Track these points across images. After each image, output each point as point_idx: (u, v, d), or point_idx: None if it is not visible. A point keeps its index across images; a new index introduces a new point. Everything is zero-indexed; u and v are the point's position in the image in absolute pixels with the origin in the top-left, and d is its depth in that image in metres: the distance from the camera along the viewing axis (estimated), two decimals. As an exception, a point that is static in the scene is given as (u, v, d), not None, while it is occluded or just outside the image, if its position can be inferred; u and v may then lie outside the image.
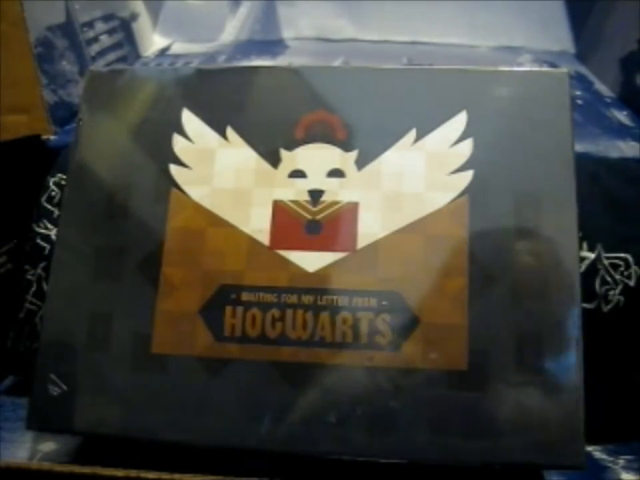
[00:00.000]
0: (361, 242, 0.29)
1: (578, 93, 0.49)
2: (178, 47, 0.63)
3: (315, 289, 0.28)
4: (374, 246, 0.29)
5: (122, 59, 0.57)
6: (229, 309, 0.29)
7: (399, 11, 0.62)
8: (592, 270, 0.35)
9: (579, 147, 0.35)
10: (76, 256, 0.30)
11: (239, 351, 0.28)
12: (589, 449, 0.32)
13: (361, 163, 0.30)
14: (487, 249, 0.28)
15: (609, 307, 0.35)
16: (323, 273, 0.28)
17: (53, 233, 0.39)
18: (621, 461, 0.31)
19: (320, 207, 0.29)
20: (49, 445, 0.31)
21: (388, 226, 0.29)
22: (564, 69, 0.31)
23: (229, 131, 0.31)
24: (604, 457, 0.32)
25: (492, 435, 0.26)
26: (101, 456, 0.29)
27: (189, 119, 0.31)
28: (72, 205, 0.31)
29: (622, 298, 0.35)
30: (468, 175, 0.29)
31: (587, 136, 0.40)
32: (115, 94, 0.32)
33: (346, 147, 0.30)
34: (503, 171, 0.29)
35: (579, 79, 0.53)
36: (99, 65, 0.52)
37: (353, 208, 0.29)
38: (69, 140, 0.39)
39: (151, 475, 0.24)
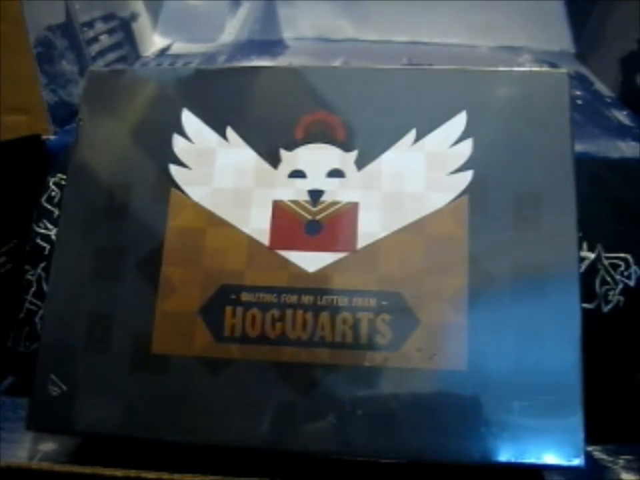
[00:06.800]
0: (361, 242, 0.29)
1: (578, 92, 0.49)
2: (178, 47, 0.63)
3: (314, 289, 0.28)
4: (374, 246, 0.29)
5: (122, 59, 0.57)
6: (229, 309, 0.29)
7: (399, 11, 0.62)
8: (592, 270, 0.35)
9: (579, 147, 0.35)
10: (76, 256, 0.30)
11: (239, 351, 0.28)
12: (589, 449, 0.32)
13: (360, 163, 0.30)
14: (487, 248, 0.28)
15: (609, 306, 0.35)
16: (323, 273, 0.28)
17: (52, 232, 0.39)
18: (621, 461, 0.31)
19: (320, 207, 0.29)
20: (48, 445, 0.31)
21: (388, 226, 0.29)
22: (564, 69, 0.31)
23: (229, 131, 0.31)
24: (604, 457, 0.32)
25: (492, 435, 0.26)
26: (101, 456, 0.29)
27: (189, 119, 0.31)
28: (72, 204, 0.31)
29: (622, 298, 0.35)
30: (468, 175, 0.29)
31: (586, 136, 0.40)
32: (115, 94, 0.32)
33: (346, 147, 0.30)
34: (502, 171, 0.29)
35: (579, 79, 0.53)
36: (99, 65, 0.52)
37: (353, 208, 0.29)
38: (68, 140, 0.39)
39: (151, 475, 0.24)
